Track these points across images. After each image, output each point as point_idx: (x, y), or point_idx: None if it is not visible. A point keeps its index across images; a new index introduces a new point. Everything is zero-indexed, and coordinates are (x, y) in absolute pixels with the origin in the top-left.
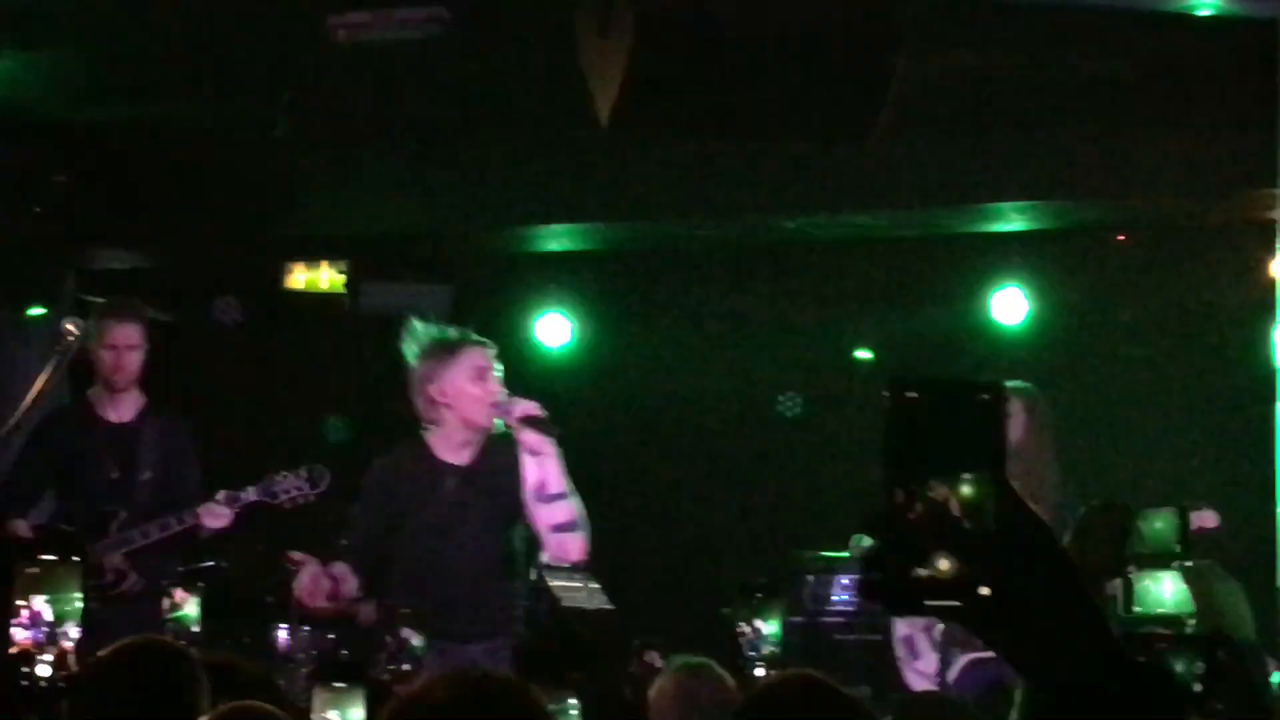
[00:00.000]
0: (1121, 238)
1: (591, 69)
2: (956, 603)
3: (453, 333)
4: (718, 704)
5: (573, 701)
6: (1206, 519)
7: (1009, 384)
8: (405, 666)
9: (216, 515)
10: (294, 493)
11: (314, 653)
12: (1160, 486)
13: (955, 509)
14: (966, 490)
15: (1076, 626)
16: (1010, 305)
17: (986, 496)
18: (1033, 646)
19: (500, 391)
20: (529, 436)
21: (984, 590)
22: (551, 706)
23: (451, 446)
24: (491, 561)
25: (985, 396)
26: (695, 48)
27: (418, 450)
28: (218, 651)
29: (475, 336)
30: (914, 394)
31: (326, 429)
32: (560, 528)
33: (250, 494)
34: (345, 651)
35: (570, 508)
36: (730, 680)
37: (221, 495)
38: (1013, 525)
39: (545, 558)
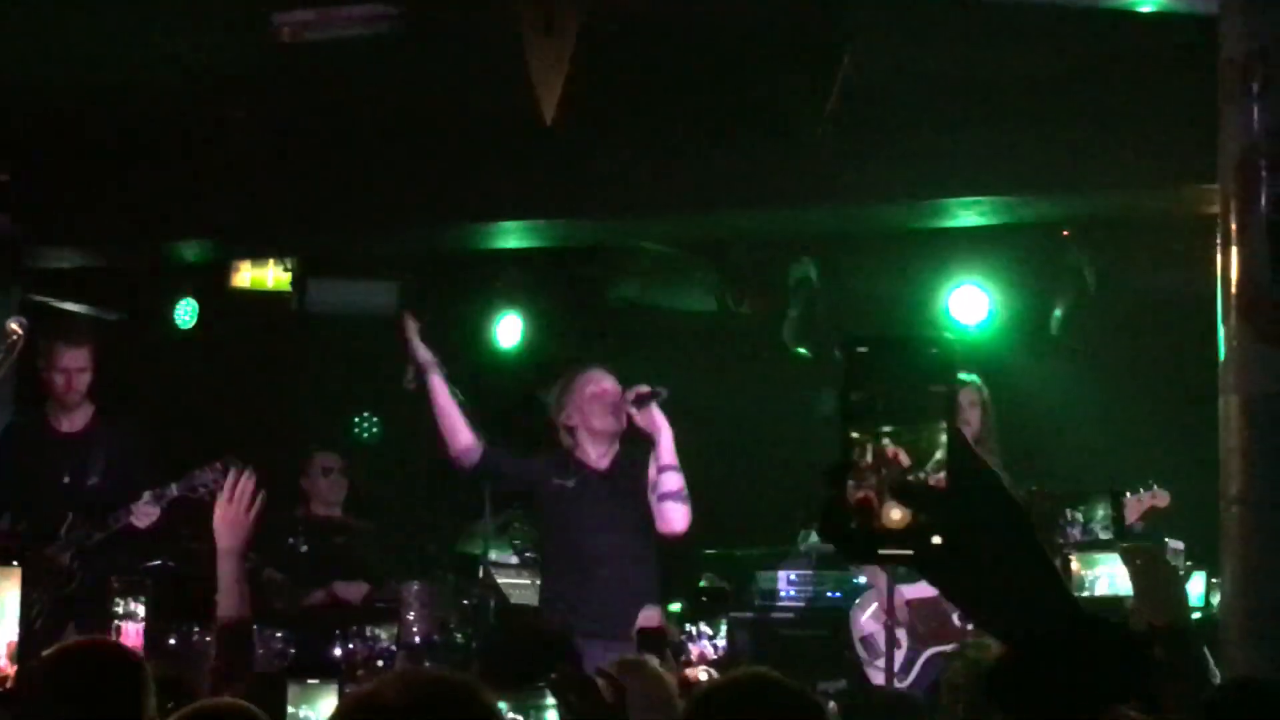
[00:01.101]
0: (1065, 232)
1: (536, 66)
2: (909, 551)
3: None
4: (654, 701)
5: (550, 702)
6: (1159, 498)
7: (961, 375)
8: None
9: (145, 513)
10: (213, 485)
11: (261, 652)
12: (1110, 476)
13: (907, 459)
14: (918, 441)
15: (1029, 576)
16: (969, 302)
17: (938, 446)
18: (987, 596)
19: (615, 391)
20: (645, 414)
21: (936, 539)
22: (530, 705)
23: (590, 456)
24: (637, 559)
25: (935, 350)
26: (640, 45)
27: (561, 456)
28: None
29: (586, 363)
30: (865, 349)
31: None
32: (668, 496)
33: (173, 490)
34: (293, 650)
35: (679, 479)
36: (668, 678)
37: (147, 494)
38: (964, 475)
39: (494, 555)
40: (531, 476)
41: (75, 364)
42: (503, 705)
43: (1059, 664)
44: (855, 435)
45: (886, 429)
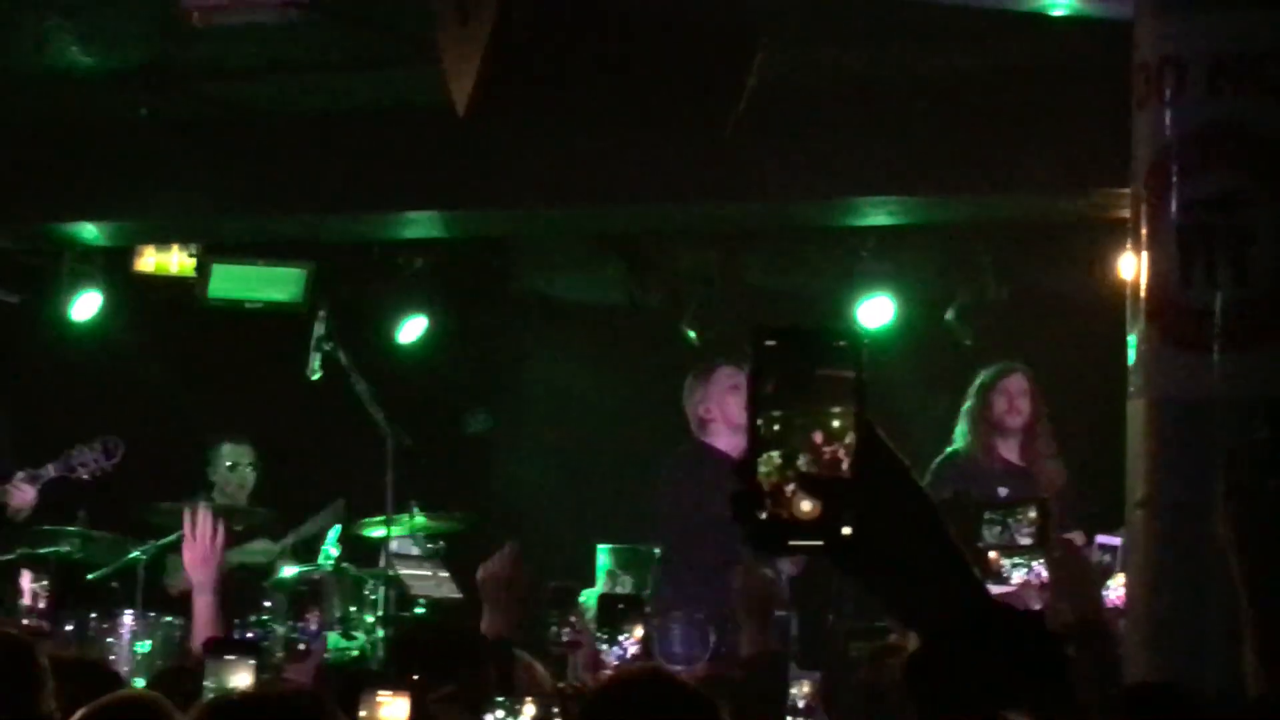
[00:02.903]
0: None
1: (450, 56)
2: (819, 542)
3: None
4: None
5: (531, 708)
6: (1076, 537)
7: (1013, 365)
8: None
9: (20, 493)
10: (91, 465)
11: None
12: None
13: (818, 450)
14: (827, 430)
15: (938, 566)
16: (876, 311)
17: (844, 436)
18: (897, 586)
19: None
20: None
21: (845, 530)
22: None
23: (732, 444)
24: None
25: (842, 341)
26: (555, 36)
27: (701, 452)
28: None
29: (722, 360)
30: (773, 341)
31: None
32: None
33: (50, 470)
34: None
35: None
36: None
37: (21, 474)
38: (872, 465)
39: (395, 546)
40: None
41: None
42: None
43: (970, 655)
44: (763, 426)
45: (795, 419)
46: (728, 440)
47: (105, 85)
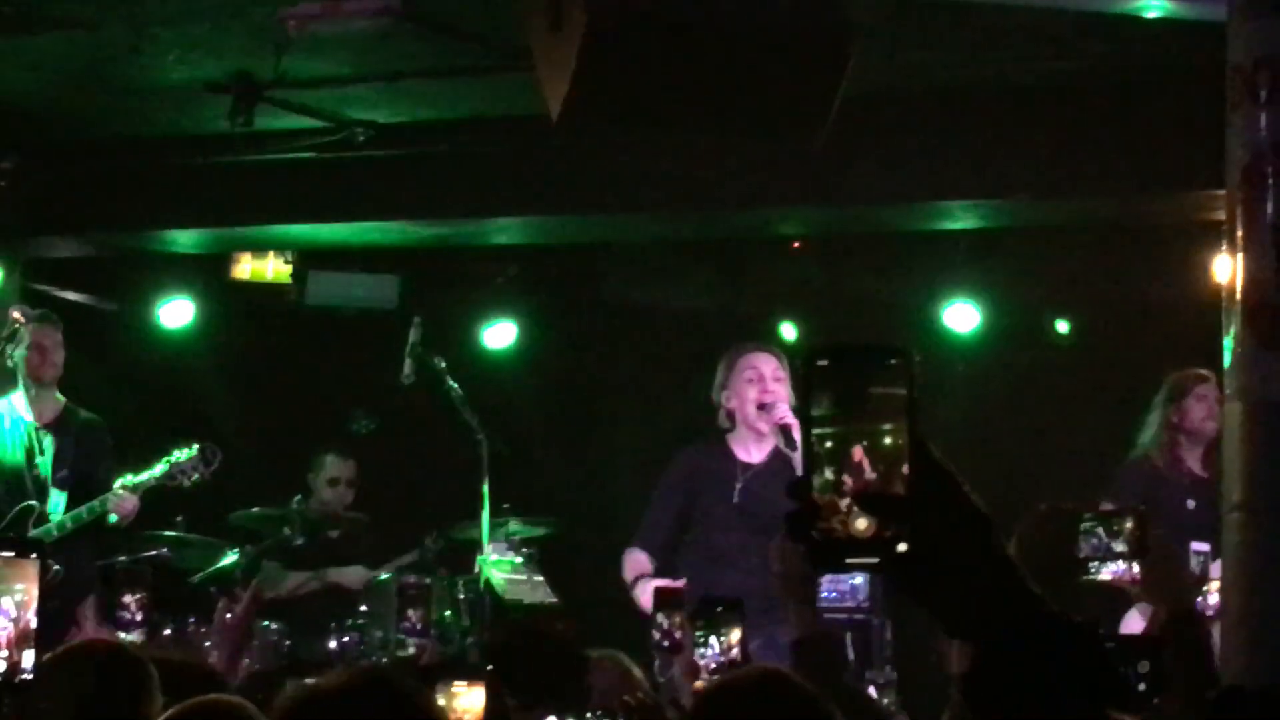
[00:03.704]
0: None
1: (542, 64)
2: (874, 560)
3: (739, 343)
4: (614, 694)
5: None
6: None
7: (1203, 371)
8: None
9: (123, 502)
10: (191, 473)
11: (256, 644)
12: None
13: (869, 468)
14: (877, 449)
15: (992, 580)
16: (961, 316)
17: (899, 454)
18: (953, 602)
19: (771, 393)
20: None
21: (901, 547)
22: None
23: (745, 446)
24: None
25: (893, 360)
26: (646, 43)
27: (719, 447)
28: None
29: (753, 344)
30: (825, 361)
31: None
32: None
33: (150, 479)
34: (288, 643)
35: None
36: (637, 673)
37: (121, 481)
38: (925, 481)
39: (490, 551)
40: (689, 498)
41: (49, 340)
42: None
43: (1029, 668)
44: (818, 444)
45: (849, 437)
46: (745, 435)
47: (200, 94)
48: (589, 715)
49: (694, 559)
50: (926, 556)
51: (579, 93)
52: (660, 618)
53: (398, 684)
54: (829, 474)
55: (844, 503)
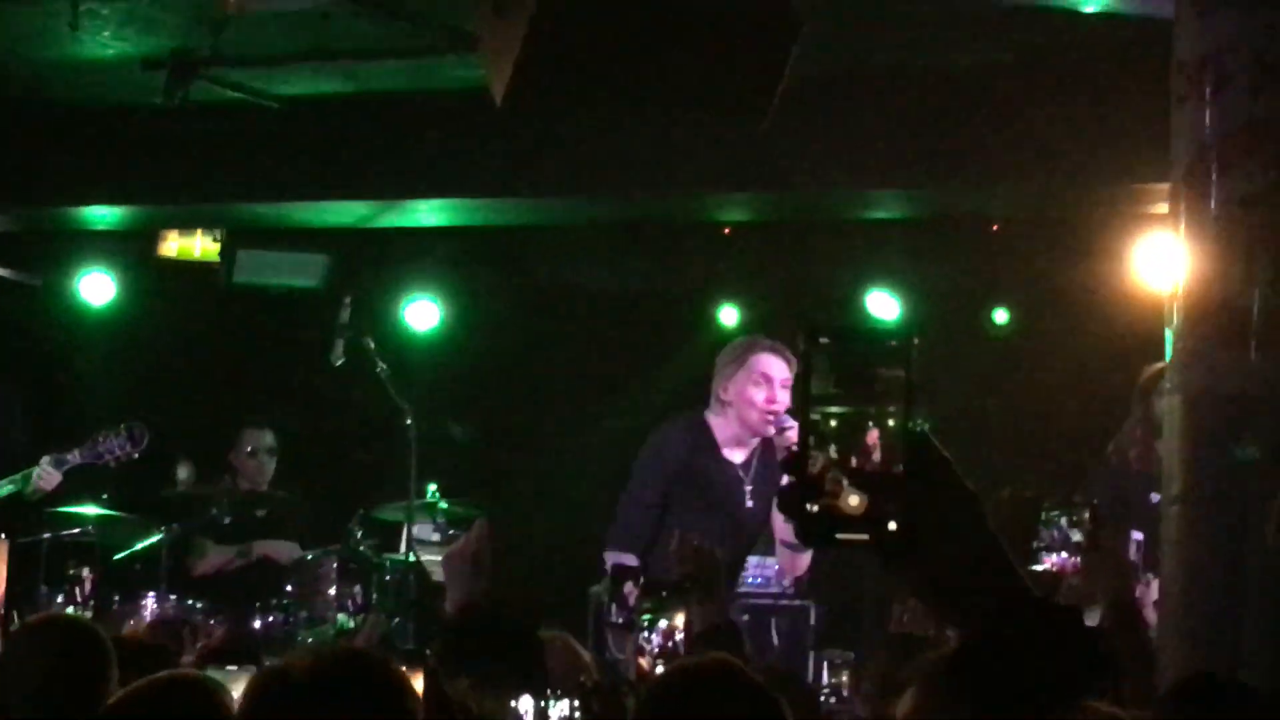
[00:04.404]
0: (995, 226)
1: (487, 46)
2: (865, 536)
3: (755, 337)
4: (567, 675)
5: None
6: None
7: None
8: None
9: (47, 478)
10: (118, 451)
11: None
12: (1052, 476)
13: (869, 448)
14: (877, 429)
15: (983, 564)
16: (883, 303)
17: (896, 435)
18: (940, 582)
19: (779, 402)
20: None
21: (892, 525)
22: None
23: (729, 440)
24: (739, 557)
25: (895, 342)
26: (592, 26)
27: (698, 432)
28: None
29: (769, 342)
30: (826, 339)
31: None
32: (794, 545)
33: (76, 455)
34: (213, 621)
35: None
36: (585, 654)
37: (48, 458)
38: (921, 463)
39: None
40: (673, 478)
41: None
42: None
43: (1016, 655)
44: (817, 422)
45: (847, 416)
46: (732, 430)
47: (134, 71)
48: (548, 694)
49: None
50: (917, 537)
51: (524, 75)
52: (621, 593)
53: (375, 662)
54: (828, 452)
55: (838, 480)
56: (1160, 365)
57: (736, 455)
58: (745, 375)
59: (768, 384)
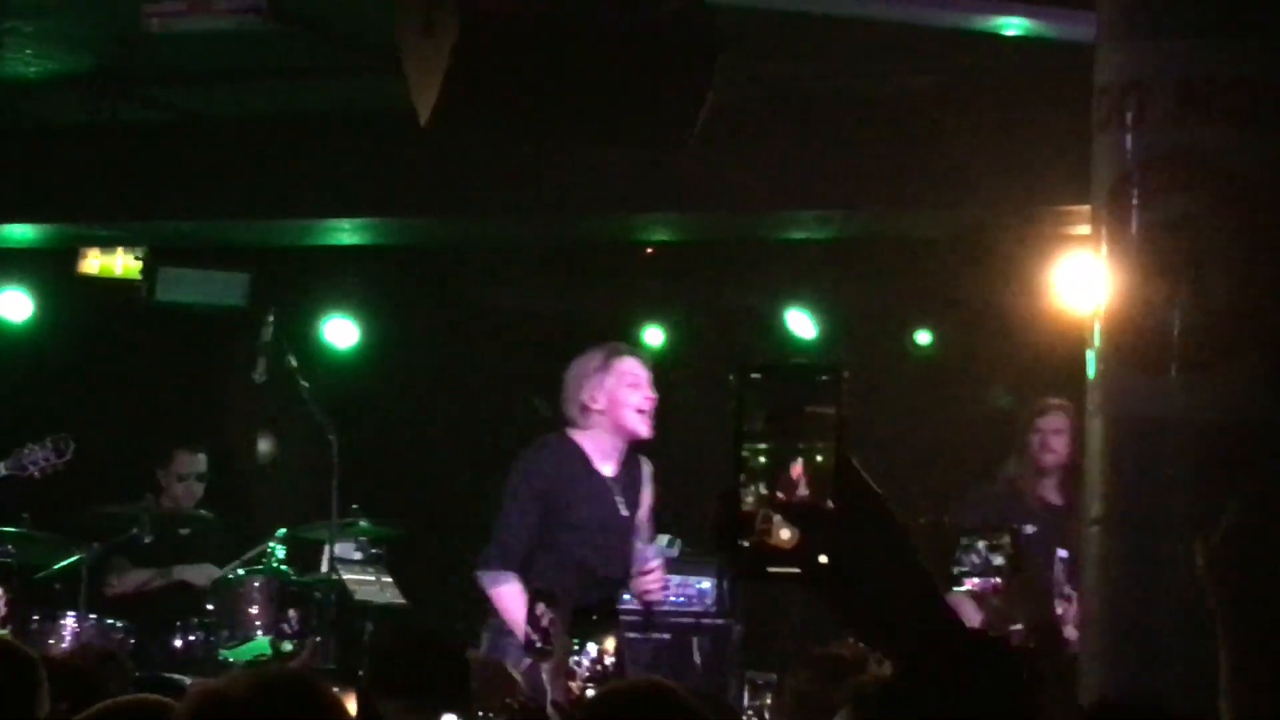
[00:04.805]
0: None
1: (413, 67)
2: (796, 570)
3: (612, 344)
4: (495, 695)
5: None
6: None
7: (1054, 401)
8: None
9: None
10: (43, 463)
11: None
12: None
13: (796, 482)
14: (808, 464)
15: (911, 597)
16: (801, 323)
17: (827, 470)
18: (871, 615)
19: (651, 400)
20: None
21: (822, 559)
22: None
23: (601, 452)
24: (624, 569)
25: (825, 377)
26: (517, 48)
27: (568, 450)
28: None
29: (628, 347)
30: (758, 375)
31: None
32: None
33: (0, 469)
34: (133, 641)
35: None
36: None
37: None
38: (851, 497)
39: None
40: (548, 502)
41: None
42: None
43: (942, 685)
44: (749, 458)
45: (778, 452)
46: (606, 442)
47: (57, 89)
48: (478, 715)
49: (556, 566)
50: (846, 570)
51: (450, 97)
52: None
53: (312, 684)
54: (759, 487)
55: (770, 515)
56: (1040, 401)
57: (607, 468)
58: (616, 380)
59: (640, 385)
